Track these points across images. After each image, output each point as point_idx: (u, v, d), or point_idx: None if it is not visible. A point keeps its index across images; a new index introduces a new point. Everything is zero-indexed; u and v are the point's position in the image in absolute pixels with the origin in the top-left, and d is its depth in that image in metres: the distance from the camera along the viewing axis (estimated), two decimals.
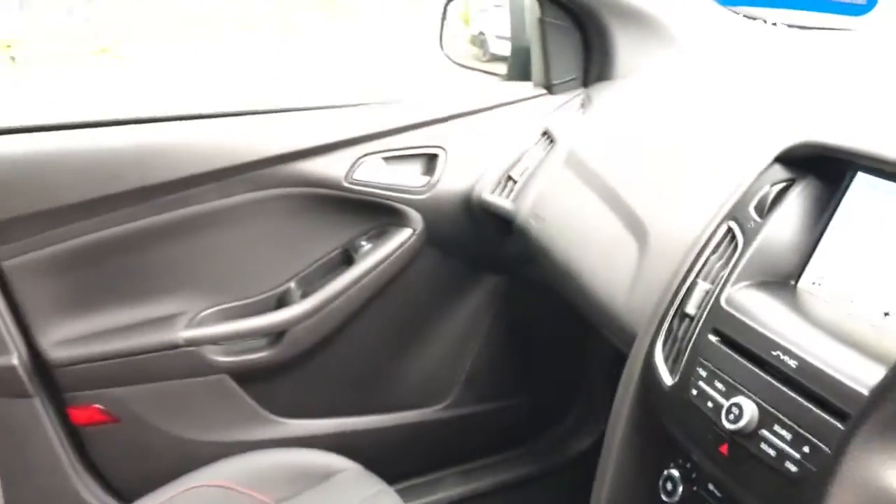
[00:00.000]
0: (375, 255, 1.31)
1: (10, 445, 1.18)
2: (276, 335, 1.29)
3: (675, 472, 0.80)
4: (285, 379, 1.35)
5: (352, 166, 1.28)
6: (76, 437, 1.26)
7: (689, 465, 0.79)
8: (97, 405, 1.24)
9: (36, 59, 4.24)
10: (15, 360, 1.17)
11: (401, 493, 1.10)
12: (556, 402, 1.60)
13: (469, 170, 1.32)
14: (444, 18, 1.49)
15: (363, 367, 1.42)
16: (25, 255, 1.16)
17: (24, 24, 4.31)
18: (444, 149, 1.32)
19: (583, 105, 1.33)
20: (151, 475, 1.18)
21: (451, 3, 1.51)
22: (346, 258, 1.34)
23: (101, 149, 1.17)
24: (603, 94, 1.31)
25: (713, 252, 0.80)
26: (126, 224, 1.21)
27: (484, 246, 1.36)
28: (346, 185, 1.28)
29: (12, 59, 4.21)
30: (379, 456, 1.19)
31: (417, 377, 1.46)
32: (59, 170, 1.15)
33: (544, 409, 1.60)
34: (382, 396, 1.44)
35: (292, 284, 1.33)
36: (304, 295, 1.31)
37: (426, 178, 1.32)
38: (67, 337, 1.21)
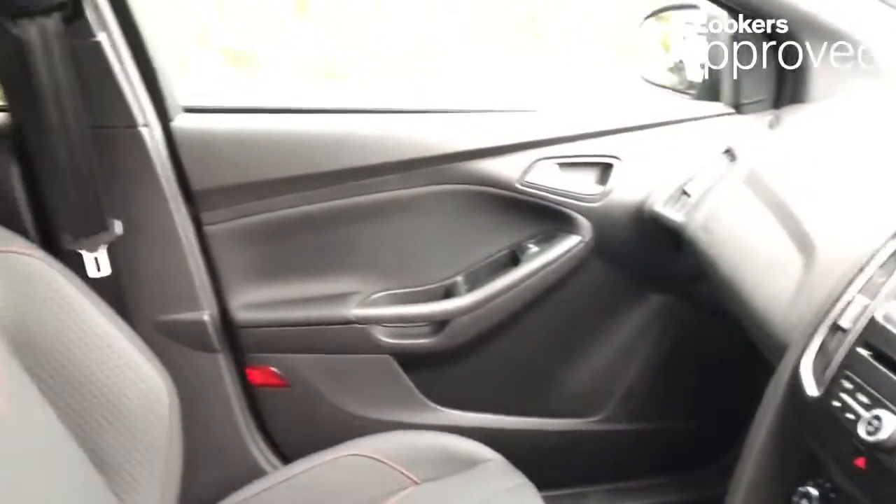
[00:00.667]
0: (541, 259, 1.34)
1: (193, 393, 1.31)
2: (439, 324, 1.35)
3: (813, 491, 0.76)
4: (444, 368, 1.40)
5: (526, 169, 1.31)
6: (250, 395, 1.38)
7: (827, 485, 0.76)
8: (272, 368, 1.35)
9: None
10: (206, 317, 1.30)
11: (543, 500, 1.11)
12: (721, 432, 1.54)
13: (643, 181, 1.32)
14: (637, 40, 1.51)
15: (519, 368, 1.44)
16: (226, 223, 1.30)
17: None
18: (619, 159, 1.32)
19: (771, 125, 1.29)
20: (311, 439, 1.27)
21: (646, 24, 1.52)
22: (513, 259, 1.38)
23: (302, 132, 1.29)
24: (795, 116, 1.27)
25: (877, 268, 0.77)
26: (317, 204, 1.32)
27: (652, 260, 1.36)
28: (519, 186, 1.32)
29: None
30: (525, 458, 1.20)
31: (573, 386, 1.46)
32: (263, 148, 1.28)
33: (706, 437, 1.54)
34: (536, 400, 1.46)
35: (459, 278, 1.39)
36: (470, 289, 1.36)
37: (599, 187, 1.33)
38: (253, 301, 1.33)
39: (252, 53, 4.62)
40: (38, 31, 1.08)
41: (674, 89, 1.60)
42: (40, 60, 1.09)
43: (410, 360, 1.37)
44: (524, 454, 1.22)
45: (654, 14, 1.55)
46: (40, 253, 1.06)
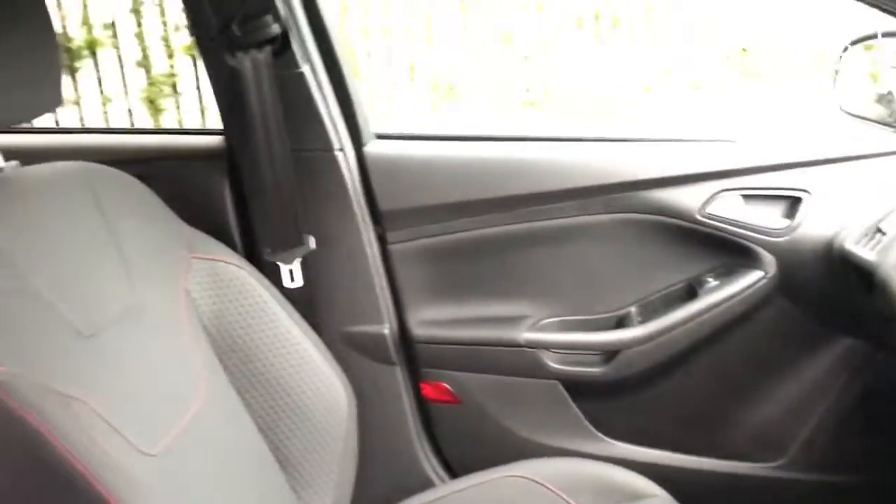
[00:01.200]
0: (721, 293, 1.30)
1: (370, 403, 1.38)
2: (610, 353, 1.34)
3: None
4: (613, 398, 1.39)
5: (707, 200, 1.29)
6: (423, 409, 1.43)
7: None
8: (445, 384, 1.40)
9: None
10: (386, 331, 1.37)
11: None
12: None
13: (834, 217, 1.25)
14: (838, 69, 1.44)
15: (692, 404, 1.40)
16: (409, 243, 1.37)
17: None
18: (809, 192, 1.27)
19: None
20: (478, 456, 1.30)
21: (849, 51, 1.45)
22: (690, 292, 1.35)
23: (483, 158, 1.34)
24: None
25: None
26: (495, 227, 1.36)
27: (840, 301, 1.28)
28: (699, 217, 1.29)
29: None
30: (692, 498, 1.17)
31: (749, 427, 1.40)
32: (446, 173, 1.34)
33: None
34: (707, 438, 1.41)
35: (633, 308, 1.37)
36: (643, 321, 1.34)
37: (786, 221, 1.28)
38: (430, 318, 1.39)
39: (455, 85, 4.83)
40: (251, 63, 1.20)
41: (879, 122, 1.51)
42: (251, 88, 1.21)
43: (578, 388, 1.37)
44: (691, 493, 1.19)
45: (859, 41, 1.47)
46: (243, 263, 1.18)
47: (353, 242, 1.34)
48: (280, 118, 1.24)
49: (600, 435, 1.40)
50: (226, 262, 1.16)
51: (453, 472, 1.44)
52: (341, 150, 1.31)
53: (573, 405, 1.38)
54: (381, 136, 1.38)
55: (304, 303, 1.25)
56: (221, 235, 1.21)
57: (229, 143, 1.32)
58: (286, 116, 1.25)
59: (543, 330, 1.37)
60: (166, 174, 1.22)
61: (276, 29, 1.21)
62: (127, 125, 4.09)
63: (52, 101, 1.03)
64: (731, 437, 1.41)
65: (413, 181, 1.35)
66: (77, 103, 4.02)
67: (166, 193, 1.15)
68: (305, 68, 1.26)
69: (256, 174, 1.26)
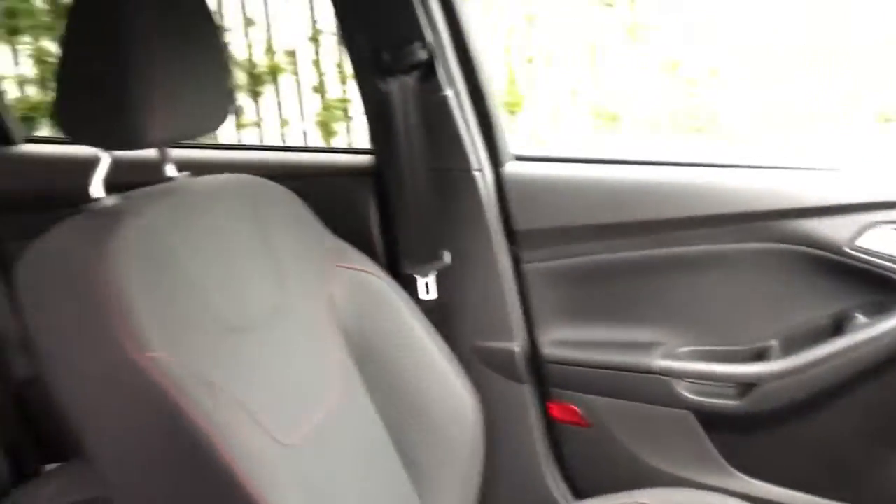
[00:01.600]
0: (872, 331, 1.24)
1: (498, 418, 1.41)
2: (746, 386, 1.30)
3: None
4: (748, 433, 1.35)
5: (858, 232, 1.23)
6: (551, 429, 1.44)
7: None
8: (573, 406, 1.41)
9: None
10: (517, 348, 1.40)
11: None
12: None
13: None
14: None
15: (835, 446, 1.33)
16: (543, 263, 1.39)
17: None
18: None
19: None
20: (604, 480, 1.31)
21: None
22: (836, 328, 1.29)
23: (621, 181, 1.35)
24: None
25: None
26: (632, 252, 1.36)
27: None
28: (847, 251, 1.24)
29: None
30: None
31: None
32: (584, 195, 1.36)
33: None
34: (853, 484, 1.33)
35: (773, 342, 1.33)
36: (784, 355, 1.29)
37: None
38: (561, 339, 1.41)
39: (618, 112, 4.81)
40: (399, 87, 1.28)
41: None
42: (398, 111, 1.29)
43: (712, 420, 1.34)
44: None
45: None
46: (383, 274, 1.25)
47: (488, 260, 1.38)
48: (423, 139, 1.31)
49: (732, 469, 1.35)
50: (368, 273, 1.23)
51: (578, 493, 1.44)
52: (480, 170, 1.36)
53: (705, 437, 1.35)
54: (520, 158, 1.42)
55: (438, 315, 1.30)
56: (365, 247, 1.29)
57: (377, 162, 1.41)
58: (429, 137, 1.32)
59: (677, 358, 1.35)
60: (318, 189, 1.31)
61: (423, 55, 1.28)
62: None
63: (220, 119, 1.15)
64: (879, 486, 1.33)
65: (550, 202, 1.37)
66: (258, 125, 4.33)
67: (317, 206, 1.24)
68: (449, 92, 1.32)
69: (400, 191, 1.34)
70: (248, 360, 1.03)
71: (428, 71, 1.30)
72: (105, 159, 1.02)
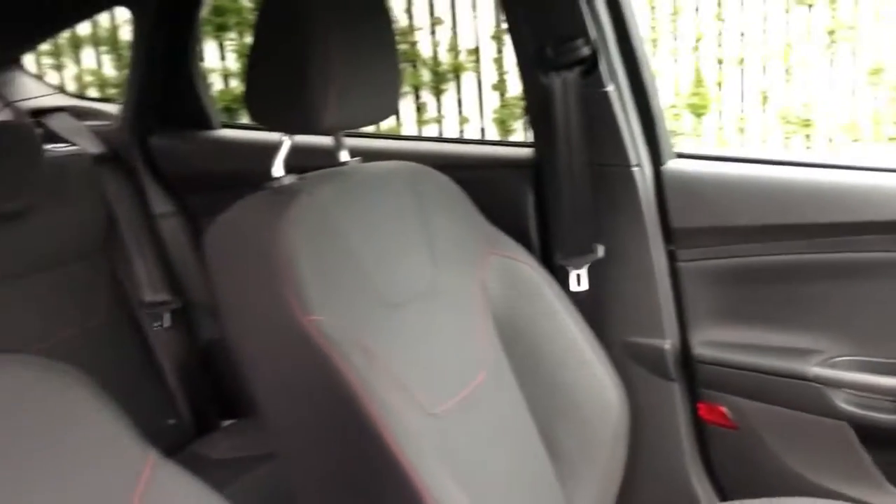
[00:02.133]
0: None
1: (644, 415, 1.41)
2: None
3: None
4: None
5: None
6: (698, 428, 1.43)
7: None
8: (723, 407, 1.39)
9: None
10: (667, 346, 1.40)
11: None
12: None
13: None
14: None
15: None
16: (699, 262, 1.38)
17: None
18: None
19: None
20: (750, 483, 1.29)
21: None
22: None
23: (787, 182, 1.32)
24: None
25: None
26: (793, 255, 1.32)
27: None
28: None
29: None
30: None
31: None
32: (746, 195, 1.33)
33: None
34: None
35: None
36: None
37: None
38: (713, 339, 1.39)
39: (810, 118, 4.57)
40: (561, 82, 1.32)
41: None
42: (559, 106, 1.33)
43: (870, 433, 1.28)
44: None
45: None
46: (536, 264, 1.29)
47: (642, 256, 1.39)
48: (583, 133, 1.34)
49: (890, 486, 1.29)
50: (521, 262, 1.29)
51: (723, 494, 1.42)
52: (638, 166, 1.37)
53: (861, 449, 1.29)
54: (681, 156, 1.41)
55: (588, 308, 1.33)
56: (520, 237, 1.34)
57: (536, 155, 1.45)
58: (589, 132, 1.35)
59: (836, 367, 1.30)
60: (478, 179, 1.38)
61: (586, 51, 1.31)
62: None
63: (390, 110, 1.24)
64: None
65: (710, 201, 1.36)
66: (439, 121, 4.48)
67: (476, 196, 1.30)
68: (611, 88, 1.34)
69: (557, 184, 1.37)
70: (401, 332, 1.11)
71: (591, 66, 1.33)
72: (286, 143, 1.14)
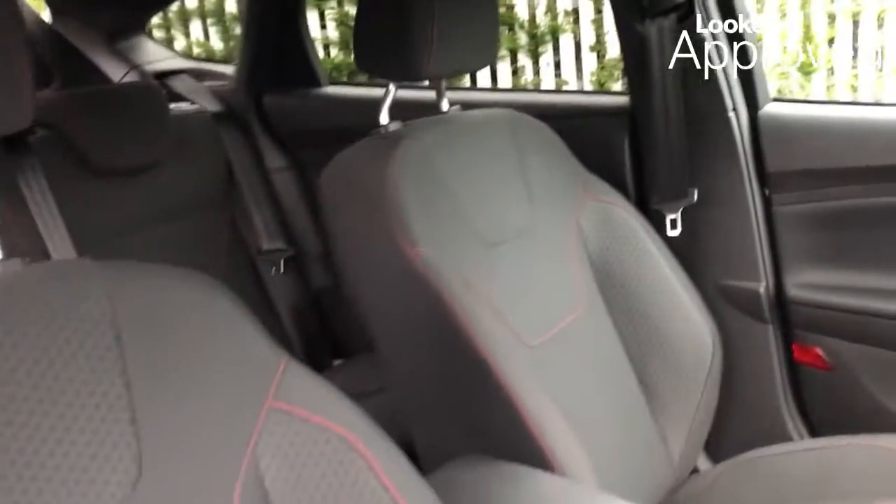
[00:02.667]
0: None
1: (738, 355, 1.44)
2: None
3: None
4: None
5: None
6: (792, 370, 1.45)
7: None
8: (818, 349, 1.40)
9: None
10: (762, 289, 1.42)
11: None
12: None
13: None
14: None
15: None
16: (795, 205, 1.39)
17: None
18: None
19: None
20: (845, 425, 1.31)
21: None
22: None
23: (884, 123, 1.31)
24: None
25: None
26: (889, 197, 1.32)
27: None
28: None
29: None
30: None
31: None
32: (844, 137, 1.34)
33: None
34: None
35: None
36: None
37: None
38: (808, 281, 1.40)
39: None
40: (657, 29, 1.35)
41: None
42: (654, 53, 1.36)
43: None
44: None
45: None
46: (631, 208, 1.34)
47: (737, 199, 1.41)
48: (678, 80, 1.37)
49: None
50: (616, 206, 1.33)
51: (815, 432, 1.44)
52: (734, 111, 1.39)
53: None
54: (778, 100, 1.42)
55: (683, 252, 1.37)
56: (616, 183, 1.38)
57: (631, 102, 1.48)
58: (684, 79, 1.37)
59: None
60: (575, 127, 1.43)
61: None
62: None
63: (488, 59, 1.30)
64: None
65: (807, 144, 1.37)
66: (537, 85, 4.49)
67: (573, 143, 1.36)
68: (706, 33, 1.36)
69: (652, 130, 1.41)
70: (499, 269, 1.18)
71: (687, 12, 1.35)
72: (391, 90, 1.22)
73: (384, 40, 1.17)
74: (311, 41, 2.05)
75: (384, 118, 1.22)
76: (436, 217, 1.13)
